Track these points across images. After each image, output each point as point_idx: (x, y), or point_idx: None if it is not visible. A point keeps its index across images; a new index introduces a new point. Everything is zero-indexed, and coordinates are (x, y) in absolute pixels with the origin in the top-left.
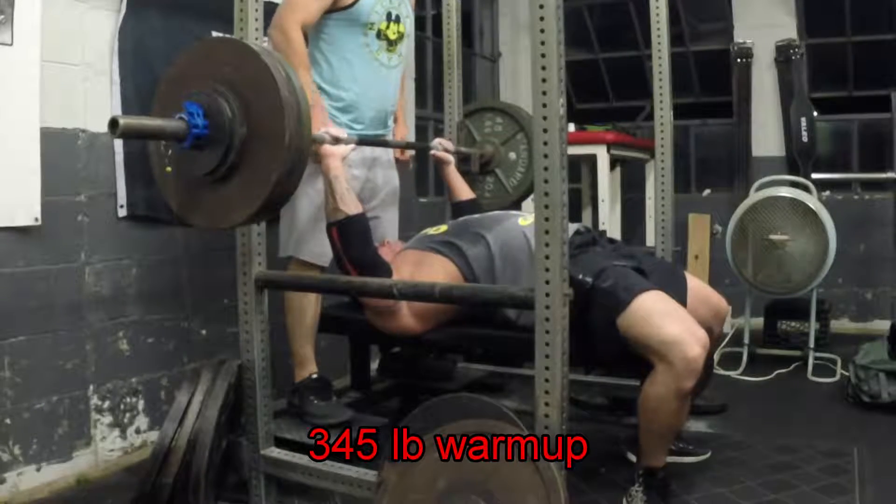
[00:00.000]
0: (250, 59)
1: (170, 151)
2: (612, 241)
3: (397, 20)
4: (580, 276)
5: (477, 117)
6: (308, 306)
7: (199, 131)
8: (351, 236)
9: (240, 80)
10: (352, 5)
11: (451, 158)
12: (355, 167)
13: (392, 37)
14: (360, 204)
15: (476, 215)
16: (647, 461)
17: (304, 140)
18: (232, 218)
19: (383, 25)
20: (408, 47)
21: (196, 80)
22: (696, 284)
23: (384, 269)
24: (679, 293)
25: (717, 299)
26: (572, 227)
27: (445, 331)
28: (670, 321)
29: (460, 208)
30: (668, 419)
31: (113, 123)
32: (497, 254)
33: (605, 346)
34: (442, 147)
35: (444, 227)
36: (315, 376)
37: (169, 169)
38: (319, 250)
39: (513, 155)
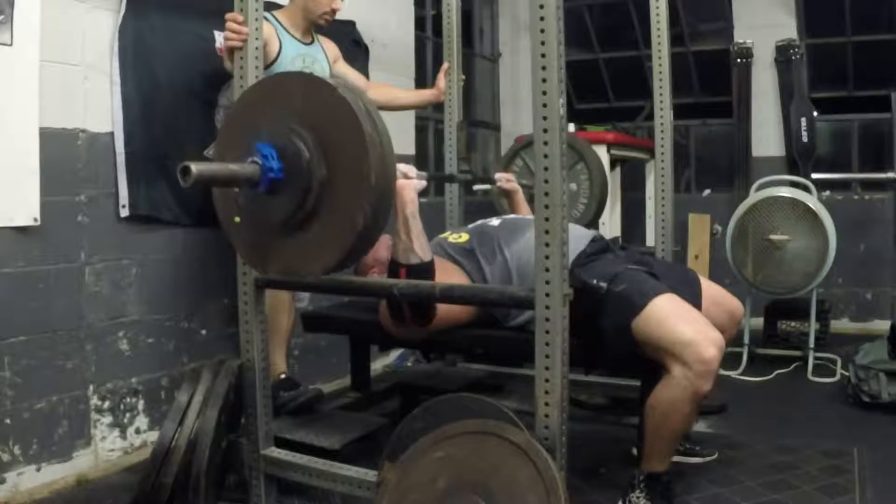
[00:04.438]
0: (326, 94)
1: (240, 199)
2: (623, 247)
3: None
4: (594, 282)
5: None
6: (281, 313)
7: (275, 175)
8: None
9: (315, 116)
10: (271, 64)
11: (517, 187)
12: None
13: None
14: (429, 248)
15: (495, 222)
16: (652, 467)
17: (390, 180)
18: (312, 267)
19: None
20: None
21: (265, 118)
22: (710, 287)
23: (434, 311)
24: (693, 296)
25: (731, 301)
26: (588, 235)
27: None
28: (685, 323)
29: None
30: (680, 423)
31: (185, 171)
32: (514, 270)
33: (616, 349)
34: (506, 179)
35: (465, 236)
36: (283, 376)
37: (237, 219)
38: None
39: (573, 186)
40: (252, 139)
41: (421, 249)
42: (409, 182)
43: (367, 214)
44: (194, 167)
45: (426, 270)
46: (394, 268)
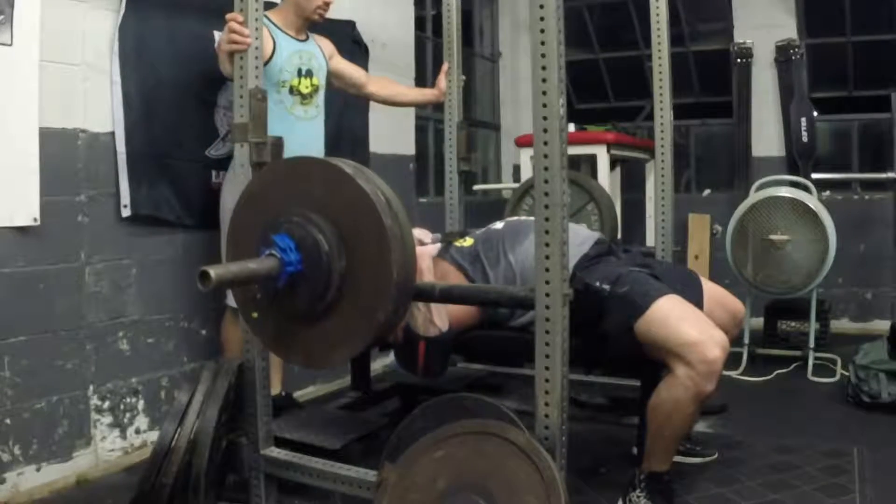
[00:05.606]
0: (344, 183)
1: (258, 295)
2: (627, 250)
3: (309, 74)
4: (597, 284)
5: None
6: None
7: (294, 268)
8: (437, 353)
9: (334, 207)
10: (267, 63)
11: None
12: None
13: (305, 91)
14: (446, 315)
15: (499, 225)
16: (653, 466)
17: (410, 272)
18: (332, 358)
19: (295, 82)
20: (323, 97)
21: (281, 205)
22: (712, 287)
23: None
24: (695, 297)
25: (733, 302)
26: (591, 238)
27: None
28: (688, 324)
29: None
30: (682, 424)
31: (203, 276)
32: (518, 274)
33: (619, 350)
34: None
35: (470, 241)
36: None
37: (255, 315)
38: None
39: (584, 227)
40: (268, 228)
41: (440, 319)
42: (426, 250)
43: (389, 310)
44: (213, 272)
45: (444, 341)
46: (412, 340)
